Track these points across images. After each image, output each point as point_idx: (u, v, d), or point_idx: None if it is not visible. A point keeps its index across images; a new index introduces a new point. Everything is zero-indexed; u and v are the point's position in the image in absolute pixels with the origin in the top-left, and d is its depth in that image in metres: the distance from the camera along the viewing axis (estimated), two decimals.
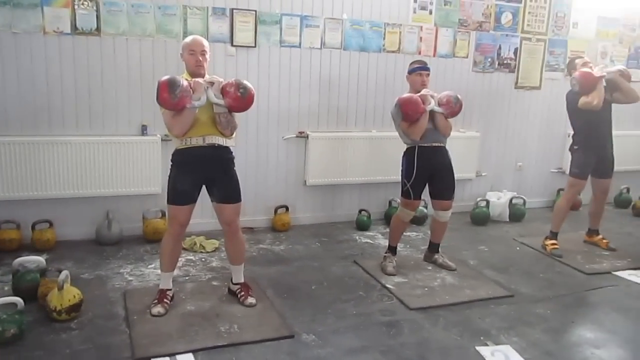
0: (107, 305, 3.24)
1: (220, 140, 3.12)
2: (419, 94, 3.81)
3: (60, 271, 3.10)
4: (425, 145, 3.84)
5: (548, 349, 3.02)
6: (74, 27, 4.01)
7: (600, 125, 4.39)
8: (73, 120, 4.12)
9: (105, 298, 3.33)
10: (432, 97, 3.82)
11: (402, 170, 3.94)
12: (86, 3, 4.00)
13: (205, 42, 3.18)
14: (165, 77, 2.92)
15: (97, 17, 4.04)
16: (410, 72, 3.94)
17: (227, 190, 3.20)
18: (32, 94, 3.99)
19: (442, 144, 3.91)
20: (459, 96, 3.87)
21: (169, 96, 2.87)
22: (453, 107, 3.84)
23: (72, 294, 3.03)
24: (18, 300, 2.86)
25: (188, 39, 3.20)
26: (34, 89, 3.98)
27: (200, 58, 3.10)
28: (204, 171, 3.13)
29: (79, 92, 4.10)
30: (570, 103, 4.43)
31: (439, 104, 3.83)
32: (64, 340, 2.83)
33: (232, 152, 3.24)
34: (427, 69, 3.90)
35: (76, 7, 3.98)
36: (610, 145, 4.47)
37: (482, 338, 3.09)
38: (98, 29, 4.06)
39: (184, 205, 3.13)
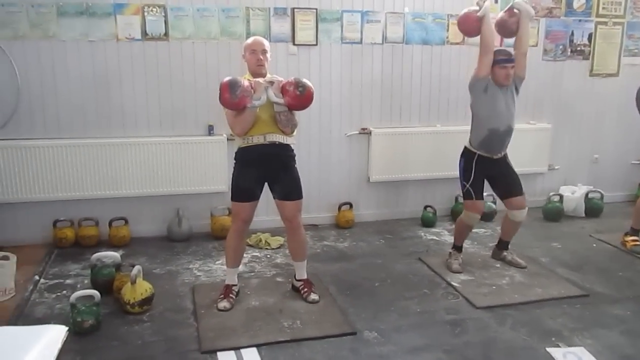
0: (177, 299, 3.37)
1: (281, 139, 3.17)
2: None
3: (133, 266, 3.26)
4: (486, 155, 3.72)
5: (626, 353, 2.85)
6: (144, 33, 4.19)
7: None
8: (145, 121, 4.32)
9: (175, 292, 3.47)
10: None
11: (459, 172, 3.82)
12: (155, 9, 4.17)
13: (266, 42, 3.24)
14: (227, 78, 3.00)
15: (165, 23, 4.21)
16: (494, 63, 3.65)
17: (288, 187, 3.24)
18: (107, 98, 4.21)
19: (503, 154, 3.78)
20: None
21: (230, 96, 2.95)
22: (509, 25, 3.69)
23: (144, 288, 3.18)
24: (95, 293, 3.03)
25: (249, 39, 3.28)
26: (108, 93, 4.21)
27: (262, 57, 3.17)
28: (265, 169, 3.19)
29: (150, 95, 4.29)
30: None
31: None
32: (136, 332, 2.98)
33: (292, 150, 3.27)
34: (512, 61, 3.64)
35: (145, 13, 4.16)
36: None
37: (553, 339, 2.96)
38: (166, 33, 4.23)
39: (246, 202, 3.20)
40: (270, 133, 3.14)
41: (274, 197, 3.30)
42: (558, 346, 2.89)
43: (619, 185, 5.57)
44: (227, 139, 4.38)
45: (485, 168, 3.74)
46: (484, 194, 3.82)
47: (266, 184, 3.27)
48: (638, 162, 5.61)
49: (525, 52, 3.74)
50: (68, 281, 3.61)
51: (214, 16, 4.29)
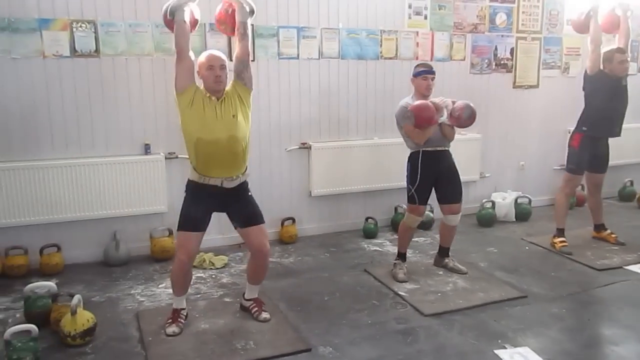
0: (121, 328, 3.22)
1: (236, 183, 3.08)
2: (433, 102, 3.70)
3: (72, 295, 3.08)
4: (429, 149, 3.82)
5: (566, 348, 3.02)
6: (73, 50, 4.01)
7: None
8: (76, 142, 4.12)
9: (118, 320, 3.31)
10: (446, 107, 3.73)
11: (407, 176, 3.93)
12: (84, 25, 4.01)
13: (223, 56, 3.06)
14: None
15: (96, 39, 4.05)
16: (415, 75, 3.84)
17: (247, 212, 3.15)
18: (34, 118, 3.98)
19: (446, 148, 3.90)
20: (472, 107, 3.70)
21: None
22: (462, 123, 3.73)
23: (85, 318, 3.01)
24: (32, 327, 2.83)
25: (203, 55, 3.06)
26: (35, 113, 3.98)
27: (220, 73, 2.98)
28: (219, 202, 3.09)
29: (81, 114, 4.10)
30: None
31: (450, 115, 3.72)
32: None
33: (247, 183, 3.19)
34: (433, 72, 3.81)
35: (74, 29, 3.99)
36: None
37: (499, 341, 3.08)
38: (97, 50, 4.07)
39: (194, 232, 3.06)
40: (228, 179, 3.02)
41: (235, 227, 3.18)
42: (504, 347, 3.01)
43: (544, 189, 5.90)
44: (166, 158, 4.26)
45: (432, 166, 3.81)
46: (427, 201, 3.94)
47: (225, 214, 3.17)
48: (560, 167, 5.96)
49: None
50: None
51: (147, 32, 4.18)
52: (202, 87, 3.04)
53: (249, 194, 3.19)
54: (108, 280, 3.91)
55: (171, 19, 3.01)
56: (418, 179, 3.82)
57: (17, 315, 3.32)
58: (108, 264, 4.17)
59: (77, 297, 3.03)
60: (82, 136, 4.13)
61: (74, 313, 2.96)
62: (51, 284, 3.33)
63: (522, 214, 5.42)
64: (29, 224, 4.01)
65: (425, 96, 3.80)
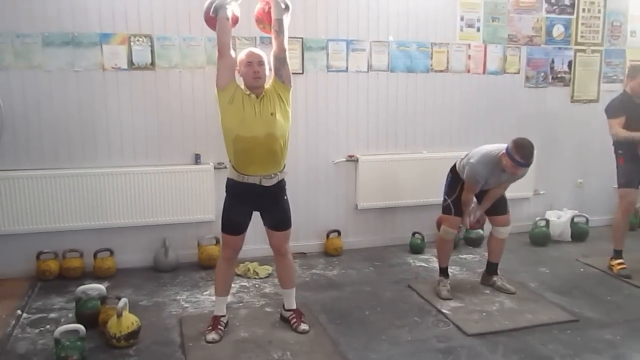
0: (164, 332, 3.30)
1: (274, 181, 3.13)
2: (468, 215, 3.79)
3: (119, 298, 3.20)
4: None
5: None
6: (131, 63, 4.19)
7: None
8: (131, 151, 4.29)
9: (162, 324, 3.40)
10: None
11: (445, 185, 3.86)
12: (141, 39, 4.19)
13: (262, 53, 3.09)
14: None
15: (152, 52, 4.22)
16: (510, 157, 3.49)
17: (278, 217, 3.23)
18: (93, 128, 4.18)
19: None
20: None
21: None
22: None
23: (130, 321, 3.11)
24: (80, 327, 2.95)
25: (242, 52, 3.12)
26: (94, 122, 4.18)
27: (258, 69, 3.02)
28: (256, 202, 3.16)
29: (136, 124, 4.27)
30: None
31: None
32: None
33: (284, 181, 3.23)
34: (527, 166, 3.53)
35: (132, 43, 4.17)
36: None
37: None
38: (152, 63, 4.23)
39: (237, 235, 3.19)
40: (266, 177, 3.08)
41: (264, 224, 3.27)
42: None
43: (603, 209, 5.61)
44: (215, 168, 4.37)
45: None
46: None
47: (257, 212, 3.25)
48: None
49: None
50: (52, 315, 3.52)
51: (200, 45, 4.31)
52: (242, 85, 3.10)
53: (285, 197, 3.25)
54: (156, 286, 4.03)
55: (214, 16, 3.06)
56: (457, 191, 3.76)
57: (70, 316, 3.47)
58: (157, 269, 4.30)
59: (123, 301, 3.14)
60: (136, 145, 4.30)
61: (119, 316, 3.07)
62: (101, 287, 3.46)
63: (579, 233, 5.18)
64: (85, 229, 4.20)
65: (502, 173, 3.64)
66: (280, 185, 3.21)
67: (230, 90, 3.03)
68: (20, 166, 4.06)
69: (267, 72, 3.11)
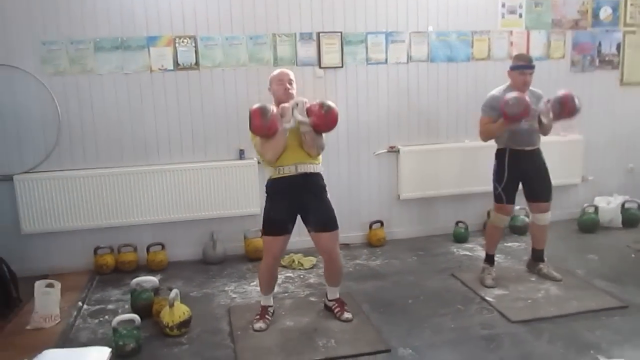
0: (214, 321, 3.45)
1: (311, 168, 3.21)
2: (524, 102, 3.46)
3: (171, 290, 3.36)
4: (517, 148, 3.71)
5: None
6: (176, 63, 4.36)
7: None
8: (178, 148, 4.46)
9: (211, 314, 3.55)
10: (540, 101, 3.61)
11: (493, 173, 3.83)
12: (186, 40, 4.34)
13: (291, 73, 3.34)
14: (256, 105, 3.08)
15: (196, 52, 4.37)
16: (512, 68, 3.70)
17: (322, 218, 3.24)
18: (142, 127, 4.38)
19: (535, 147, 3.75)
20: (576, 100, 3.57)
21: (261, 122, 3.02)
22: (564, 115, 3.57)
23: (182, 311, 3.27)
24: (135, 317, 3.13)
25: (275, 72, 3.37)
26: (143, 122, 4.37)
27: (289, 86, 3.25)
28: (297, 199, 3.20)
29: (182, 122, 4.44)
30: None
31: (547, 110, 3.57)
32: (176, 354, 3.06)
33: (323, 179, 3.30)
34: (532, 67, 3.64)
35: (177, 45, 4.33)
36: None
37: (592, 352, 2.93)
38: (197, 63, 4.39)
39: (279, 236, 3.22)
40: (301, 163, 3.17)
41: (309, 230, 3.29)
42: (597, 359, 2.85)
43: None
44: (258, 162, 4.49)
45: (519, 165, 3.70)
46: (515, 200, 3.82)
47: (299, 217, 3.29)
48: None
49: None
50: (110, 306, 3.73)
51: (242, 44, 4.44)
52: (272, 103, 3.24)
53: (327, 195, 3.29)
54: (205, 277, 4.19)
55: (269, 126, 3.05)
56: (505, 177, 3.73)
57: (126, 307, 3.66)
58: (206, 262, 4.47)
59: (174, 292, 3.30)
60: (183, 143, 4.47)
61: (171, 306, 3.23)
62: (154, 279, 3.65)
63: (630, 219, 5.04)
64: (138, 224, 4.41)
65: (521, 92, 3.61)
66: (320, 183, 3.27)
67: None
68: (77, 166, 4.30)
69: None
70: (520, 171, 3.73)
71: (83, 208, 4.28)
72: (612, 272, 4.00)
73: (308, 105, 3.18)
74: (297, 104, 3.15)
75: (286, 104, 3.15)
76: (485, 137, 3.77)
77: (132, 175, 4.34)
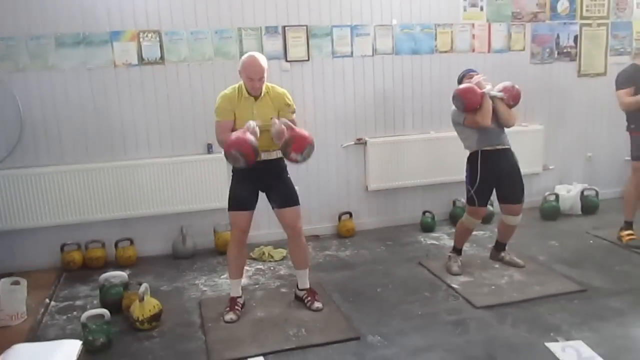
0: (185, 314, 3.46)
1: (274, 155, 3.28)
2: (474, 82, 3.78)
3: (140, 284, 3.35)
4: (488, 149, 3.75)
5: (623, 344, 2.93)
6: (141, 58, 4.32)
7: None
8: (145, 143, 4.43)
9: (182, 308, 3.56)
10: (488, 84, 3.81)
11: (466, 177, 3.88)
12: (150, 35, 4.30)
13: (264, 64, 3.18)
14: (250, 145, 2.98)
15: (161, 47, 4.34)
16: (460, 81, 3.99)
17: (284, 194, 3.34)
18: (108, 123, 4.33)
19: (506, 146, 3.82)
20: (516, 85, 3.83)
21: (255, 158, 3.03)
22: (511, 91, 3.75)
23: (152, 305, 3.27)
24: (105, 312, 3.12)
25: (247, 60, 3.18)
26: (109, 118, 4.33)
27: (258, 85, 3.20)
28: (260, 180, 3.30)
29: (149, 118, 4.41)
30: None
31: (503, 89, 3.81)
32: (147, 348, 3.07)
33: (284, 161, 3.33)
34: (475, 71, 3.98)
35: (141, 39, 4.29)
36: None
37: (552, 334, 3.04)
38: (162, 57, 4.36)
39: (243, 211, 3.30)
40: (265, 151, 3.22)
41: (273, 207, 3.38)
42: (557, 341, 2.97)
43: (613, 181, 5.65)
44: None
45: (493, 167, 3.76)
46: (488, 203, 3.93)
47: (264, 195, 3.37)
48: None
49: None
50: (78, 302, 3.70)
51: (207, 38, 4.42)
52: (241, 82, 3.26)
53: (288, 175, 3.39)
54: (175, 272, 4.19)
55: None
56: (478, 180, 3.76)
57: (95, 302, 3.64)
58: (176, 256, 4.46)
59: (144, 286, 3.29)
60: (150, 138, 4.44)
61: (141, 300, 3.23)
62: (123, 274, 3.64)
63: (589, 206, 5.23)
64: (105, 220, 4.37)
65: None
66: (281, 164, 3.35)
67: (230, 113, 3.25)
68: (41, 162, 4.23)
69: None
70: (494, 174, 3.76)
71: (48, 205, 4.21)
72: (571, 258, 4.15)
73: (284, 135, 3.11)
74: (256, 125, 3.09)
75: (252, 122, 3.10)
76: (486, 121, 3.73)
77: (98, 171, 4.29)
